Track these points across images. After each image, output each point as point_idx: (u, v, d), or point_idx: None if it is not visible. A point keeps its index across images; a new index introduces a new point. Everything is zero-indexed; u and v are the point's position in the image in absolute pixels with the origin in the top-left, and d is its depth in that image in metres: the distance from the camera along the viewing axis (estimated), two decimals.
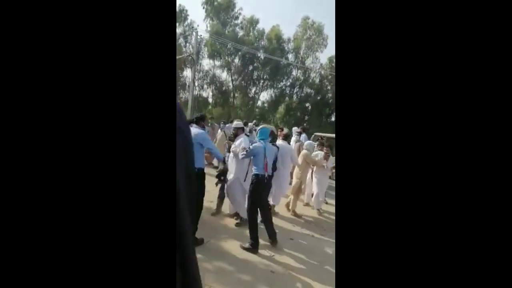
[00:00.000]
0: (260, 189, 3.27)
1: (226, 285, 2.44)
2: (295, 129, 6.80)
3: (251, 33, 22.92)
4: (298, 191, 4.92)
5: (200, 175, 3.05)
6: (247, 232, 3.27)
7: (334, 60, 22.65)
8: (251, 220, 3.22)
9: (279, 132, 4.75)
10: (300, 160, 4.84)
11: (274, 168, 3.61)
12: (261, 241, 3.23)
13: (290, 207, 4.83)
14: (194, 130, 3.08)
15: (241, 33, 22.72)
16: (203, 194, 3.18)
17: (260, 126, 3.62)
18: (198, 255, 2.62)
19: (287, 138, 4.53)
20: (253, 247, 3.14)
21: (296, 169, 4.91)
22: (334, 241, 3.83)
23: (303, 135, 6.80)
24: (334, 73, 21.08)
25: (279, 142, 4.30)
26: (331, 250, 3.51)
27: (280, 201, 4.60)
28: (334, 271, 2.77)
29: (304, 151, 4.92)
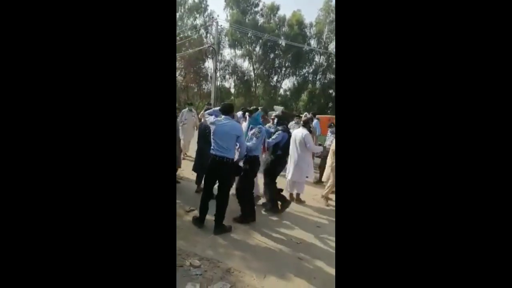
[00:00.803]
0: (255, 169, 3.50)
1: (255, 270, 2.47)
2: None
3: (271, 20, 22.53)
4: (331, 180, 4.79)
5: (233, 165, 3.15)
6: (274, 218, 3.27)
7: None
8: (247, 196, 3.47)
9: (296, 119, 4.88)
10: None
11: (283, 152, 3.94)
12: (285, 231, 3.22)
13: (324, 194, 4.76)
14: (231, 122, 3.08)
15: (261, 20, 22.41)
16: (231, 185, 3.30)
17: (255, 110, 3.72)
18: (226, 242, 2.65)
19: (306, 124, 4.52)
20: (248, 217, 3.43)
21: (329, 157, 4.84)
22: None
23: (315, 121, 6.63)
24: None
25: (299, 129, 4.43)
26: None
27: (304, 189, 4.60)
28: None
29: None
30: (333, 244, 3.17)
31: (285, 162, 4.16)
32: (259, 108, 3.98)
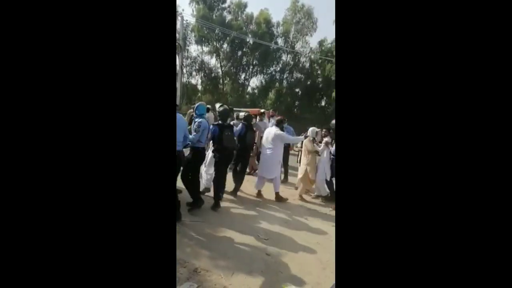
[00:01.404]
0: (198, 160, 3.81)
1: (223, 268, 2.44)
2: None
3: (239, 18, 22.40)
4: (305, 179, 4.92)
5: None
6: (241, 214, 3.25)
7: (324, 44, 22.50)
8: (195, 184, 3.81)
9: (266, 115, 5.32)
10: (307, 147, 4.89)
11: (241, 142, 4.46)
12: (252, 227, 3.22)
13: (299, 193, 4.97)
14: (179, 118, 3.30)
15: (229, 17, 22.18)
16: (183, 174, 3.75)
17: (197, 104, 3.95)
18: (192, 242, 2.57)
19: (279, 124, 4.68)
20: (197, 205, 3.74)
21: (303, 156, 5.01)
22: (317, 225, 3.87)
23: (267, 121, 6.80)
24: (324, 57, 20.98)
25: (272, 128, 4.66)
26: (317, 236, 3.55)
27: (263, 185, 4.71)
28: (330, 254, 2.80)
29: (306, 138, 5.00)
30: (300, 239, 3.23)
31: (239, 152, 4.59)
32: (222, 106, 4.19)
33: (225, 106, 4.16)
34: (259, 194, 4.70)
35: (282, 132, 4.63)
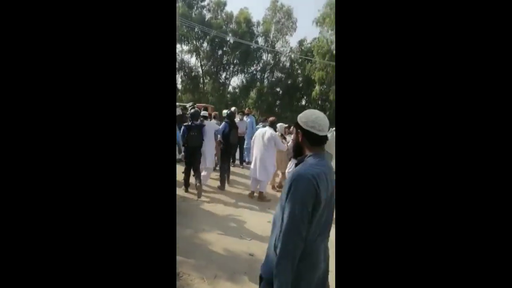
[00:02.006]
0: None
1: (205, 272, 2.38)
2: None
3: (219, 16, 22.23)
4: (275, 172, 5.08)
5: None
6: (223, 215, 3.21)
7: (304, 44, 22.76)
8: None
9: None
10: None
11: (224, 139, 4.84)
12: (235, 228, 3.18)
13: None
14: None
15: (208, 16, 21.97)
16: None
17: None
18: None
19: (273, 124, 4.72)
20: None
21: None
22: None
23: (251, 118, 7.12)
24: (304, 57, 21.21)
25: (266, 128, 4.64)
26: None
27: (266, 187, 4.77)
28: None
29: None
30: None
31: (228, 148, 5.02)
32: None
33: (196, 108, 4.63)
34: (251, 195, 4.67)
35: (276, 133, 4.68)
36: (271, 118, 4.90)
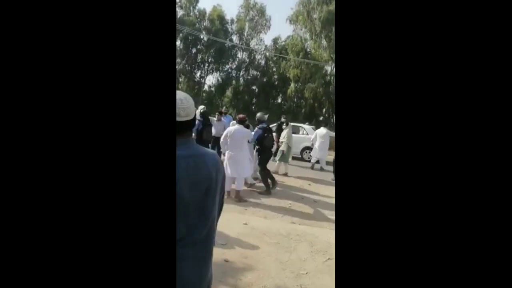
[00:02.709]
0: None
1: None
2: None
3: (191, 13, 21.77)
4: None
5: None
6: None
7: (278, 42, 22.83)
8: None
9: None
10: None
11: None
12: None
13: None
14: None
15: (180, 12, 21.41)
16: None
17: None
18: None
19: (242, 122, 4.72)
20: None
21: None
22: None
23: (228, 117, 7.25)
24: (279, 55, 21.31)
25: (238, 126, 4.63)
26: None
27: (242, 185, 4.71)
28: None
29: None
30: (258, 240, 3.14)
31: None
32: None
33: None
34: (228, 194, 4.56)
35: (247, 130, 4.82)
36: (240, 116, 4.97)
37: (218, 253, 2.76)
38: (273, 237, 3.27)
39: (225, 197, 4.47)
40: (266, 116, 5.58)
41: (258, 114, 5.30)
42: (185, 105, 0.99)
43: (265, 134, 4.98)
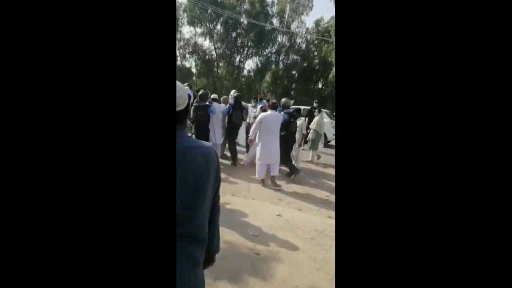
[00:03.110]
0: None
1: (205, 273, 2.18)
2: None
3: None
4: None
5: None
6: (227, 208, 2.98)
7: (320, 24, 21.71)
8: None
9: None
10: None
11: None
12: (240, 222, 2.97)
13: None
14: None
15: None
16: None
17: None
18: None
19: (275, 107, 4.64)
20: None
21: None
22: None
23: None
24: (321, 37, 20.33)
25: (274, 112, 4.56)
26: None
27: (277, 171, 4.67)
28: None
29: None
30: (293, 234, 2.97)
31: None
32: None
33: (205, 91, 5.24)
34: (263, 182, 4.56)
35: (280, 114, 4.76)
36: (273, 101, 4.99)
37: (248, 245, 2.66)
38: (308, 232, 3.08)
39: (260, 185, 4.44)
40: (292, 101, 5.60)
41: (283, 100, 5.13)
42: (179, 94, 0.96)
43: (291, 120, 4.89)
